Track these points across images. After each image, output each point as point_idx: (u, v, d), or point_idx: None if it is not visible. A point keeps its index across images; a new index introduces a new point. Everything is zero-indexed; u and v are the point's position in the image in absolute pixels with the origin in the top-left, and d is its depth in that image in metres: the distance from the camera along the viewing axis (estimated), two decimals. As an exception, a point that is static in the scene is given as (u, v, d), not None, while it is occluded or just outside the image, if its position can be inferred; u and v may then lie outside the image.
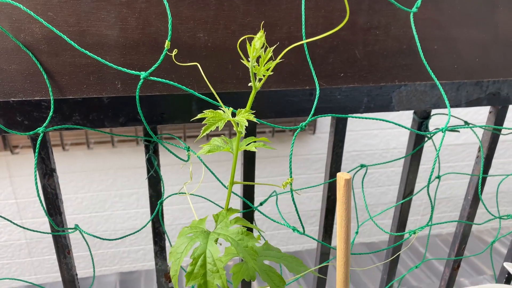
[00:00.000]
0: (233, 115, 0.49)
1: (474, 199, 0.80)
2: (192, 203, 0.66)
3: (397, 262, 0.87)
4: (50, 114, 0.55)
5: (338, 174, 0.44)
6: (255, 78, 0.45)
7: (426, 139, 0.73)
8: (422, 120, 0.71)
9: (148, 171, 0.66)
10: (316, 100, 0.57)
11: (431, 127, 0.75)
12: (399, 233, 0.66)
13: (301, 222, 0.58)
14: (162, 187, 0.66)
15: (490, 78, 0.68)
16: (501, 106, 0.73)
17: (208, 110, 0.44)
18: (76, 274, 0.72)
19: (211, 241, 0.46)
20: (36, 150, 0.59)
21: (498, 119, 0.74)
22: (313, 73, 0.57)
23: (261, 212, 0.63)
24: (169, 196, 0.69)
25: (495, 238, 0.85)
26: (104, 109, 0.59)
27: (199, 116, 0.45)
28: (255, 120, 0.42)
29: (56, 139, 2.52)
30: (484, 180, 0.79)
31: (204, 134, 0.42)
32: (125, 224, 2.83)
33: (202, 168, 0.65)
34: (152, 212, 0.69)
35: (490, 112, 0.75)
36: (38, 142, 0.58)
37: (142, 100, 0.59)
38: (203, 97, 0.56)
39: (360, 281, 2.32)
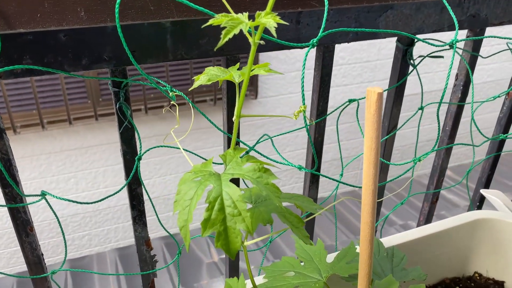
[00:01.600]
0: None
1: (452, 129, 0.80)
2: (171, 156, 0.58)
3: (381, 203, 0.86)
4: (-5, 55, 0.44)
5: (368, 88, 0.39)
6: None
7: (410, 69, 0.70)
8: (406, 48, 0.68)
9: (120, 124, 0.56)
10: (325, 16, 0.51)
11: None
12: (401, 163, 0.63)
13: (315, 156, 0.52)
14: (139, 140, 0.57)
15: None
16: (479, 28, 0.72)
17: (220, 14, 0.36)
18: (42, 254, 0.62)
19: (226, 182, 0.39)
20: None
21: (476, 43, 0.73)
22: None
23: (259, 153, 0.57)
24: (152, 148, 0.60)
25: (470, 166, 0.86)
26: (63, 48, 0.48)
27: (211, 22, 0.37)
28: (281, 21, 0.35)
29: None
30: (461, 108, 0.79)
31: (224, 41, 0.34)
32: (65, 211, 2.64)
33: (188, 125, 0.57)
34: (127, 171, 0.60)
35: (467, 36, 0.73)
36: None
37: (109, 34, 0.49)
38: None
39: (350, 223, 2.36)
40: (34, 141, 2.43)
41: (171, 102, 0.52)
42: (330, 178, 0.61)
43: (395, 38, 0.68)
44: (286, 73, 2.73)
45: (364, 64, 2.92)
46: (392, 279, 0.54)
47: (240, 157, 0.42)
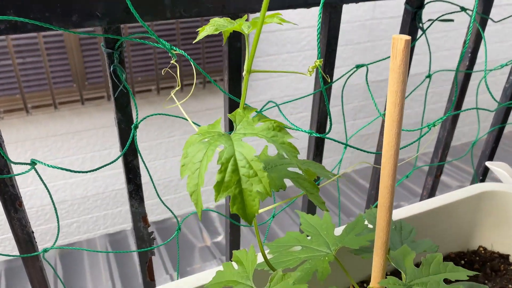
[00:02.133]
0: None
1: (459, 98, 0.77)
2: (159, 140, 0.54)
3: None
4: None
5: (393, 36, 0.35)
6: None
7: (419, 33, 0.67)
8: (415, 10, 0.65)
9: (115, 88, 0.52)
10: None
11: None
12: (414, 129, 0.60)
13: (330, 118, 0.49)
14: (135, 107, 0.53)
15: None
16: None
17: None
18: (33, 232, 0.58)
19: (239, 141, 0.36)
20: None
21: (486, 5, 0.70)
22: None
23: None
24: (151, 115, 0.56)
25: (475, 139, 0.83)
26: (50, 2, 0.44)
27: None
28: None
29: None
30: (468, 77, 0.76)
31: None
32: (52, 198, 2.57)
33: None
34: (122, 142, 0.56)
35: None
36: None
37: (102, -14, 0.44)
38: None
39: (344, 205, 2.34)
40: (19, 127, 2.36)
41: (171, 62, 0.48)
42: (339, 142, 0.58)
43: (388, 19, 0.65)
44: (277, 55, 2.69)
45: (355, 46, 2.89)
46: (407, 248, 0.51)
47: (251, 118, 0.39)
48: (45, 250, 0.57)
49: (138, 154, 0.57)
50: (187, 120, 0.48)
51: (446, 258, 0.84)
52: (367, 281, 0.79)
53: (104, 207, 2.75)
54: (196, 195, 0.36)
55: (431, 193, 0.90)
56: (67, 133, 2.50)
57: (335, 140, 0.53)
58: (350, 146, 0.55)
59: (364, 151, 0.57)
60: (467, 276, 0.47)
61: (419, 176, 2.50)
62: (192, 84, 2.61)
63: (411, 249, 0.61)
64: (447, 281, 0.48)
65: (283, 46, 2.65)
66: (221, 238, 2.14)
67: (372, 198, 0.85)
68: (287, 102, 0.62)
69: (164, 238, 2.35)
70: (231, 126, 0.60)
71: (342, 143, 0.54)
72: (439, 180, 0.88)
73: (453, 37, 3.05)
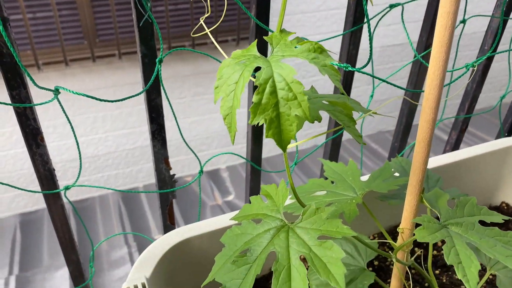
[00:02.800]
0: None
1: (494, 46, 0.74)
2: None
3: (410, 127, 0.81)
4: None
5: None
6: None
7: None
8: None
9: (139, 18, 0.50)
10: None
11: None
12: (452, 70, 0.57)
13: (371, 47, 0.46)
14: (159, 39, 0.51)
15: None
16: None
17: None
18: (54, 169, 0.57)
19: (277, 62, 0.34)
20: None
21: None
22: None
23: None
24: (177, 49, 0.54)
25: (504, 92, 0.80)
26: None
27: None
28: None
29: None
30: (505, 23, 0.72)
31: None
32: (63, 156, 2.59)
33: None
34: (145, 78, 0.54)
35: None
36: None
37: None
38: None
39: (370, 147, 2.32)
40: (29, 83, 2.35)
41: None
42: (372, 76, 0.55)
43: None
44: (291, 15, 2.61)
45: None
46: (440, 190, 0.50)
47: (290, 40, 0.36)
48: (67, 188, 0.57)
49: (162, 91, 0.55)
50: (215, 58, 0.45)
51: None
52: (391, 232, 0.78)
53: (115, 167, 2.77)
54: (230, 118, 0.34)
55: (455, 148, 0.88)
56: (78, 91, 2.48)
57: (369, 74, 0.50)
58: (381, 80, 0.52)
59: (397, 86, 0.55)
60: (502, 220, 0.46)
61: (437, 143, 2.48)
62: (224, 41, 2.55)
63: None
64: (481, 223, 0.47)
65: (297, 6, 2.58)
66: (232, 197, 2.15)
67: (395, 151, 0.83)
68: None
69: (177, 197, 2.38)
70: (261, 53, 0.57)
71: (375, 77, 0.52)
72: (463, 135, 0.86)
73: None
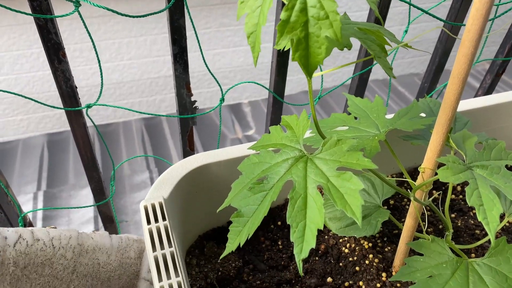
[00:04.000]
0: None
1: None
2: None
3: (442, 68, 0.77)
4: None
5: None
6: None
7: None
8: None
9: None
10: None
11: None
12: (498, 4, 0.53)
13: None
14: (185, -47, 0.48)
15: None
16: None
17: None
18: (76, 87, 0.56)
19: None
20: None
21: None
22: None
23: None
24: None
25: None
26: None
27: None
28: None
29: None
30: None
31: None
32: (89, 81, 2.61)
33: None
34: (169, -4, 0.52)
35: None
36: None
37: None
38: None
39: (396, 90, 2.29)
40: (55, 5, 2.32)
41: None
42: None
43: None
44: None
45: None
46: (468, 132, 0.48)
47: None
48: (88, 106, 0.57)
49: (186, 12, 0.52)
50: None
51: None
52: (410, 173, 0.77)
53: (139, 94, 2.78)
54: (255, 37, 0.32)
55: (487, 94, 0.84)
56: (104, 15, 2.45)
57: (407, 3, 0.47)
58: (421, 10, 0.49)
59: (436, 17, 0.51)
60: (530, 165, 0.44)
61: (467, 90, 2.38)
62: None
63: (466, 139, 0.58)
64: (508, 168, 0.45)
65: None
66: (252, 132, 2.16)
67: (424, 92, 0.80)
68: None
69: (199, 130, 2.40)
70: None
71: (414, 6, 0.48)
72: (498, 80, 0.82)
73: None
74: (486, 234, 0.66)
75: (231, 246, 0.41)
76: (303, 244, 0.36)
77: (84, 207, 0.66)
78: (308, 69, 0.32)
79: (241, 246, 0.40)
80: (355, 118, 0.61)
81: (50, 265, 0.51)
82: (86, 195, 1.64)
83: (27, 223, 0.72)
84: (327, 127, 0.60)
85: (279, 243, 0.67)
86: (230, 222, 0.42)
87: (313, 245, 0.36)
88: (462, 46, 0.37)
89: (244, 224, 0.41)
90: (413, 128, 0.54)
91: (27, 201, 1.63)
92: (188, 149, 0.70)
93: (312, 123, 0.43)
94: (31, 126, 2.67)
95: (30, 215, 1.53)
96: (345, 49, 0.40)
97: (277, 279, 0.61)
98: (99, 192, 0.69)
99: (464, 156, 0.43)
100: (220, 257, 0.45)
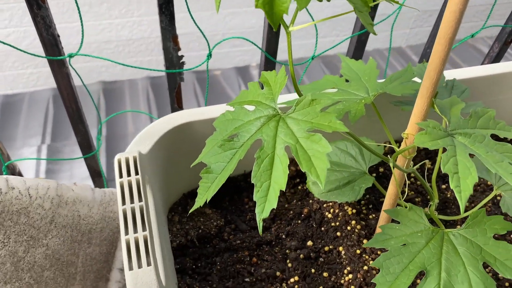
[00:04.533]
0: None
1: None
2: None
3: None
4: None
5: None
6: None
7: None
8: None
9: None
10: None
11: None
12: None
13: None
14: None
15: None
16: None
17: None
18: (58, 36, 0.55)
19: None
20: None
21: None
22: None
23: None
24: None
25: None
26: None
27: None
28: None
29: None
30: None
31: None
32: (98, 37, 2.58)
33: None
34: None
35: None
36: None
37: None
38: None
39: (411, 59, 2.21)
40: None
41: None
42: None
43: None
44: None
45: None
46: (457, 99, 0.45)
47: None
48: (70, 55, 0.55)
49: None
50: None
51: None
52: (400, 141, 0.75)
53: (148, 53, 2.75)
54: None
55: (494, 62, 0.80)
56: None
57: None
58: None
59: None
60: (519, 136, 0.42)
61: (477, 58, 2.30)
62: None
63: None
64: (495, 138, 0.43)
65: None
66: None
67: (425, 57, 0.77)
68: None
69: (202, 92, 2.37)
70: None
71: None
72: (507, 48, 0.78)
73: None
74: (475, 207, 0.65)
75: (199, 201, 0.40)
76: (265, 204, 0.35)
77: (70, 159, 0.66)
78: (273, 18, 0.30)
79: (207, 202, 0.39)
80: (347, 81, 0.58)
81: (26, 214, 0.51)
82: (89, 151, 1.66)
83: (16, 173, 0.72)
84: (317, 89, 0.58)
85: (263, 205, 0.66)
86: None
87: (275, 206, 0.35)
88: (450, 1, 0.34)
89: (213, 181, 0.40)
90: (402, 93, 0.52)
91: (31, 153, 1.66)
92: (176, 106, 0.68)
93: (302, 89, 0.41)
94: (41, 80, 2.67)
95: (31, 167, 1.55)
96: (345, 17, 0.37)
97: (257, 240, 0.61)
98: (86, 146, 0.69)
99: (448, 123, 0.41)
100: (189, 212, 0.44)
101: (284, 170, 0.35)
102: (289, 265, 0.58)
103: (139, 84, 2.33)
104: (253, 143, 0.38)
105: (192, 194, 0.67)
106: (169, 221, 0.62)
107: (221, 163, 0.39)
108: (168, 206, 0.64)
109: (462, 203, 0.34)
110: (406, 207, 0.46)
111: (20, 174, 0.74)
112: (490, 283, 0.39)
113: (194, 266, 0.58)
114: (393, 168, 0.45)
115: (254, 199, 0.36)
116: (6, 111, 2.05)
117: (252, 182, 0.36)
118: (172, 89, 0.66)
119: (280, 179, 0.35)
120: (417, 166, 0.49)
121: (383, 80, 0.59)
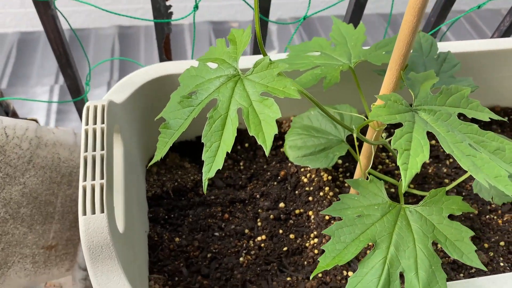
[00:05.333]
0: None
1: None
2: None
3: (452, 2, 0.70)
4: None
5: None
6: None
7: None
8: None
9: None
10: None
11: None
12: None
13: None
14: None
15: None
16: None
17: None
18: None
19: None
20: None
21: None
22: None
23: None
24: None
25: None
26: None
27: None
28: None
29: None
30: None
31: None
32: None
33: None
34: None
35: None
36: None
37: None
38: None
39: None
40: None
41: None
42: None
43: None
44: None
45: None
46: (432, 73, 0.43)
47: None
48: (54, -2, 0.55)
49: None
50: None
51: (491, 110, 0.75)
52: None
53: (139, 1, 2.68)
54: None
55: (504, 36, 0.76)
56: None
57: None
58: None
59: None
60: (489, 119, 0.40)
61: (481, 31, 2.18)
62: None
63: (444, 83, 0.53)
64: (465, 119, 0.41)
65: None
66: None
67: (429, 27, 0.73)
68: None
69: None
70: None
71: None
72: (520, 20, 0.73)
73: None
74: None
75: (157, 156, 0.40)
76: (212, 164, 0.35)
77: (58, 102, 0.67)
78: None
79: (162, 158, 0.40)
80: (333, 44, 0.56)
81: (3, 152, 0.52)
82: (99, 95, 1.68)
83: (10, 112, 0.74)
84: (301, 51, 0.57)
85: (241, 163, 0.67)
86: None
87: (220, 167, 0.35)
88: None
89: (170, 136, 0.40)
90: (381, 62, 0.50)
91: (44, 92, 1.68)
92: (164, 58, 0.68)
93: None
94: (61, 19, 2.67)
95: (43, 107, 1.58)
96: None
97: (231, 197, 0.62)
98: (74, 90, 0.70)
99: (414, 97, 0.40)
100: (147, 166, 0.45)
101: (234, 132, 0.35)
102: (259, 224, 0.59)
103: (154, 32, 2.31)
104: (209, 102, 0.38)
105: (173, 148, 0.68)
106: (147, 172, 0.64)
107: (179, 120, 0.40)
108: (148, 157, 0.65)
109: (405, 181, 0.33)
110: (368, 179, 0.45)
111: (14, 113, 0.75)
112: (435, 261, 0.39)
113: (166, 217, 0.60)
114: (356, 139, 0.45)
115: (203, 158, 0.36)
116: (22, 49, 2.07)
117: (202, 141, 0.36)
118: (160, 39, 0.65)
119: (229, 141, 0.35)
120: (391, 138, 0.48)
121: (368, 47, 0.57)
